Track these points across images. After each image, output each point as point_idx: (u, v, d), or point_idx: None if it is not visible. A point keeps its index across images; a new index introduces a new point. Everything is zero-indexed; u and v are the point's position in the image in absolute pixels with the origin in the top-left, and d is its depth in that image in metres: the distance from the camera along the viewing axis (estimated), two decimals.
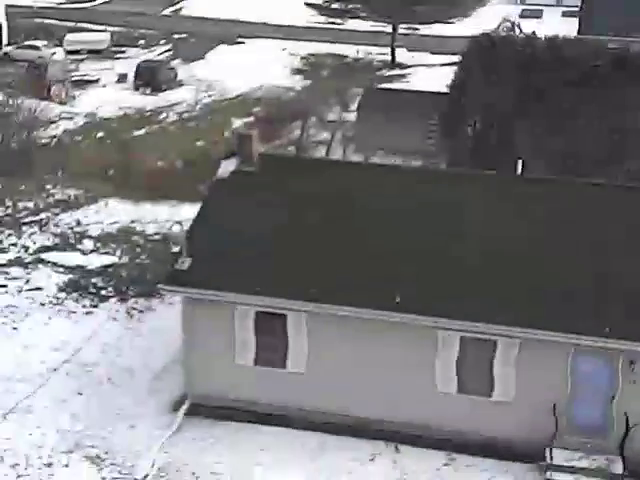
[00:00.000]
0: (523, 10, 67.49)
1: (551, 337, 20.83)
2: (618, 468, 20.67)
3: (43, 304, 27.85)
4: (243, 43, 61.61)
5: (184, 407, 22.87)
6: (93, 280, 29.69)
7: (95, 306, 28.04)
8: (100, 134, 45.16)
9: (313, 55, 58.92)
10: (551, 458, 20.77)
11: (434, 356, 21.60)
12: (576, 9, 55.78)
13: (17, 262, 30.47)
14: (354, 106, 43.10)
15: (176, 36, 63.16)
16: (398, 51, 57.76)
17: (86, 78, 54.13)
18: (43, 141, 43.06)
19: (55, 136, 44.61)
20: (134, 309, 27.90)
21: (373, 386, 22.04)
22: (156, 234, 33.18)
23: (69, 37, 59.83)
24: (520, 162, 26.33)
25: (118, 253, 31.59)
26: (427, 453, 21.49)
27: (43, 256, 31.07)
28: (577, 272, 21.78)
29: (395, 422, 22.00)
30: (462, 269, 21.92)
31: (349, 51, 59.09)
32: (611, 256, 21.99)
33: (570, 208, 23.08)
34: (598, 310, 21.17)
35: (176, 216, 33.65)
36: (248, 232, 22.98)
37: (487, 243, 22.35)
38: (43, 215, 34.45)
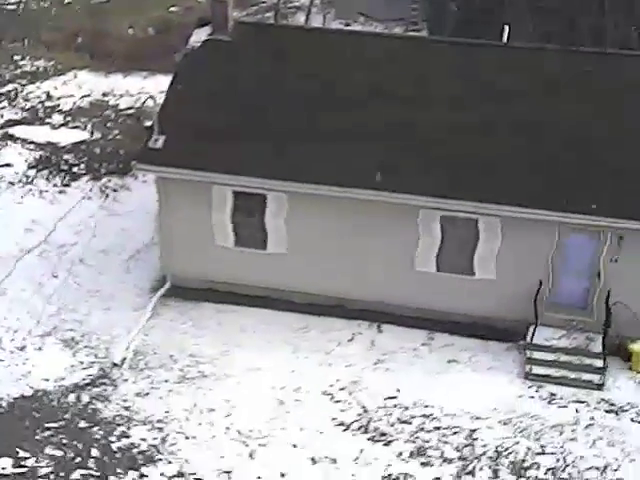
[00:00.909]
0: None
1: (536, 216, 20.38)
2: (598, 347, 20.54)
3: (12, 183, 27.03)
4: None
5: (162, 289, 22.46)
6: (64, 157, 28.84)
7: (67, 185, 27.25)
8: None
9: None
10: (532, 337, 20.61)
11: (414, 235, 21.14)
12: None
13: None
14: None
15: None
16: None
17: None
18: (9, 7, 41.28)
19: (21, 1, 42.71)
20: (108, 187, 27.17)
21: (354, 266, 21.64)
22: (129, 108, 32.08)
23: None
24: (507, 29, 25.34)
25: (89, 128, 30.61)
26: (407, 332, 21.29)
27: (11, 131, 30.06)
28: (562, 146, 21.09)
29: (376, 302, 21.73)
30: (444, 145, 21.20)
31: None
32: (598, 130, 21.27)
33: (556, 76, 22.15)
34: (584, 186, 20.64)
35: (149, 88, 32.55)
36: (224, 106, 22.11)
37: (474, 116, 21.48)
38: (10, 87, 33.22)
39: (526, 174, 20.70)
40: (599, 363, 20.27)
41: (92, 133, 30.40)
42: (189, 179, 21.40)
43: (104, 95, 32.61)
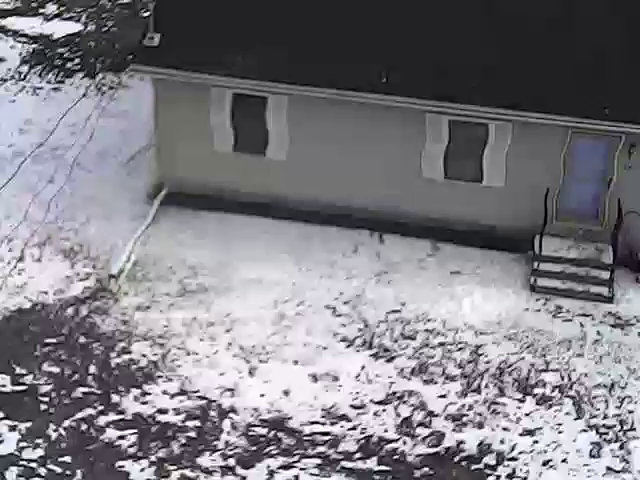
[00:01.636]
0: None
1: (547, 121, 19.59)
2: (608, 258, 20.07)
3: (5, 79, 26.09)
4: None
5: (160, 196, 21.86)
6: (58, 50, 27.82)
7: (61, 82, 26.31)
8: None
9: None
10: (540, 248, 20.11)
11: (421, 141, 20.41)
12: None
13: None
14: None
15: None
16: None
17: None
18: None
19: None
20: (104, 85, 26.26)
21: (357, 174, 20.96)
22: None
23: None
24: None
25: (84, 19, 29.44)
26: (412, 243, 20.80)
27: (3, 22, 28.96)
28: (574, 49, 20.09)
29: (379, 211, 21.12)
30: (453, 47, 20.20)
31: None
32: (610, 31, 20.21)
33: None
34: (597, 90, 19.77)
35: None
36: (224, 3, 21.06)
37: (482, 17, 20.47)
38: None
39: (538, 78, 19.79)
40: (608, 275, 19.84)
41: (86, 25, 29.29)
42: (187, 81, 20.56)
43: None
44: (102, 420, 16.97)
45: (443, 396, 17.54)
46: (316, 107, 20.41)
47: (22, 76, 26.45)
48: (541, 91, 19.69)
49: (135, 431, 16.80)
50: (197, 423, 16.97)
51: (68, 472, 16.08)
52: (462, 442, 16.74)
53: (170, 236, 20.93)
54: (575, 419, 17.22)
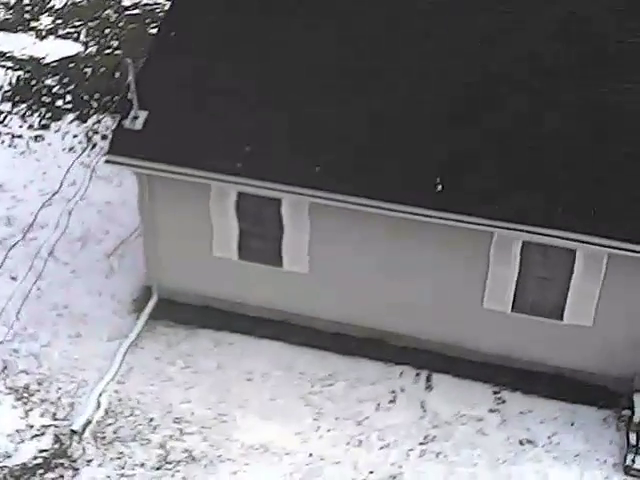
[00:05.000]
0: None
1: None
2: None
3: None
4: None
5: (148, 307, 17.20)
6: (48, 81, 23.05)
7: (46, 127, 21.58)
8: None
9: None
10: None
11: (484, 263, 15.40)
12: None
13: None
14: None
15: None
16: None
17: None
18: None
19: None
20: (97, 132, 21.51)
21: (397, 296, 16.02)
22: (134, 5, 25.86)
23: None
24: None
25: (83, 37, 24.58)
26: (468, 390, 15.82)
27: None
28: None
29: (426, 343, 16.26)
30: (536, 148, 15.09)
31: None
32: None
33: None
34: None
35: None
36: (225, 71, 16.12)
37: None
38: None
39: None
40: None
41: (86, 44, 24.44)
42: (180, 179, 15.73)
43: None
44: None
45: None
46: (346, 213, 15.48)
47: (1, 118, 21.81)
48: None
49: None
50: None
51: None
52: None
53: (155, 369, 16.24)
54: None
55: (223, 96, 15.88)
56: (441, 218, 14.81)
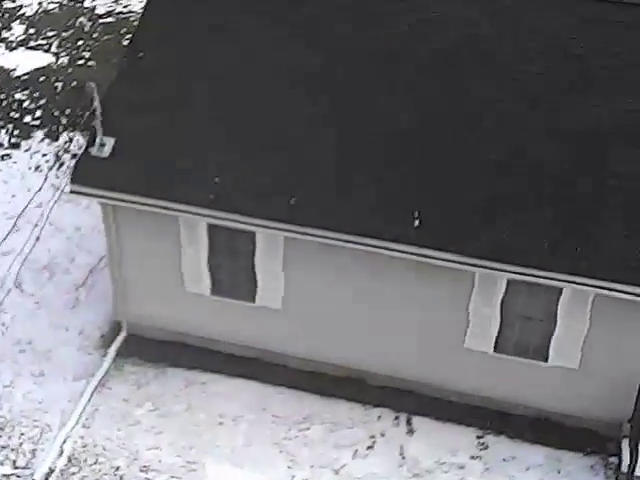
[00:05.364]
0: None
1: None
2: None
3: None
4: None
5: (116, 343, 16.44)
6: (17, 96, 22.23)
7: (15, 145, 20.76)
8: None
9: None
10: (630, 462, 14.27)
11: (465, 302, 14.67)
12: None
13: None
14: None
15: None
16: None
17: None
18: None
19: None
20: (67, 151, 20.69)
21: (376, 333, 15.30)
22: (108, 13, 24.99)
23: None
24: None
25: (55, 47, 23.71)
26: (450, 434, 15.09)
27: None
28: None
29: (404, 381, 15.53)
30: (512, 178, 14.34)
31: None
32: None
33: None
34: None
35: None
36: (198, 92, 15.33)
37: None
38: None
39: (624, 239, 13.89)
40: None
41: (57, 55, 23.59)
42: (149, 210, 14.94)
43: None
44: None
45: None
46: (321, 247, 14.70)
47: None
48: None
49: None
50: None
51: None
52: None
53: (123, 412, 15.47)
54: None
55: (194, 122, 15.12)
56: (418, 255, 14.08)
